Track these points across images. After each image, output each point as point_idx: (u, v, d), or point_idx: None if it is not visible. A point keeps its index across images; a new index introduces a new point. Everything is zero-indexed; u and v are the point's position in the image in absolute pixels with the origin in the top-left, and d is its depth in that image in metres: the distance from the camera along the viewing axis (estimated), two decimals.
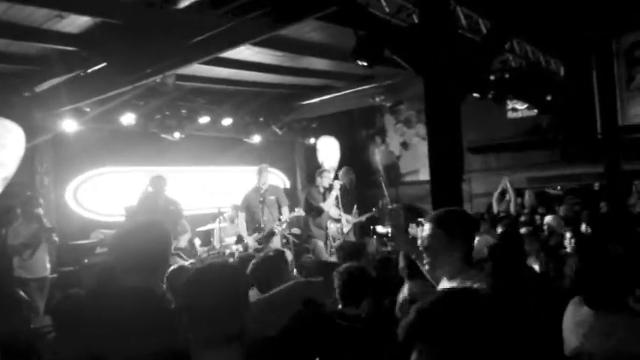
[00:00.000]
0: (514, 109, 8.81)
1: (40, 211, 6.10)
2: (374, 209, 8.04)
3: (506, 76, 5.70)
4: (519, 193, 8.62)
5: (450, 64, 3.30)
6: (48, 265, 5.90)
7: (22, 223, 5.83)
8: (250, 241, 6.73)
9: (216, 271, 1.56)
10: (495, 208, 7.94)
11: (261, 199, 6.68)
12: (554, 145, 8.39)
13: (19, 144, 6.39)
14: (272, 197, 6.80)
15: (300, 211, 6.92)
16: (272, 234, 6.66)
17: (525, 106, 8.27)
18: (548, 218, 6.12)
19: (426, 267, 2.23)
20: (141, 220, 2.43)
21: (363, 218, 7.94)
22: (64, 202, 7.45)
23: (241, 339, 1.47)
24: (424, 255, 2.19)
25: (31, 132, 6.48)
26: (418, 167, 10.19)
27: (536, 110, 7.10)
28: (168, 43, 4.57)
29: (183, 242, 6.67)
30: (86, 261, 6.68)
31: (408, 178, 10.52)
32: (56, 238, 6.03)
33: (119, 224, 7.31)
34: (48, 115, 6.55)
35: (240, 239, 6.99)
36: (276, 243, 6.62)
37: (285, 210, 6.86)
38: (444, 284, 2.17)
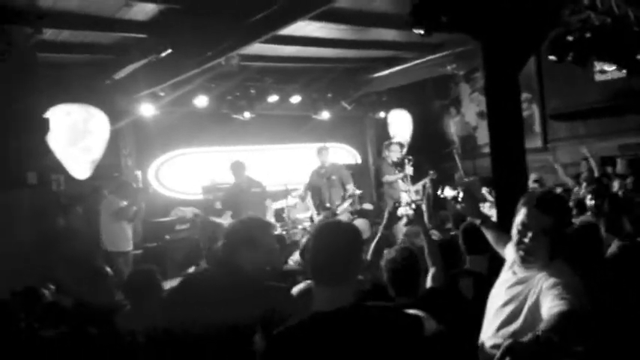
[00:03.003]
0: (602, 71, 8.02)
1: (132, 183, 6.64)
2: (431, 172, 7.84)
3: (587, 35, 5.17)
4: (611, 161, 7.96)
5: (510, 24, 3.05)
6: (131, 241, 6.33)
7: (114, 198, 6.28)
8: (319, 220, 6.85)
9: (336, 225, 1.95)
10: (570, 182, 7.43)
11: (325, 179, 6.75)
12: None
13: (104, 129, 6.87)
14: (334, 177, 6.86)
15: (354, 191, 6.93)
16: (335, 213, 6.74)
17: (615, 67, 7.53)
18: None
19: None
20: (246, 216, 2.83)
21: (420, 185, 7.84)
22: (147, 182, 7.94)
23: (352, 280, 1.76)
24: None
25: (113, 117, 6.94)
26: None
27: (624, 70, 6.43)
28: (227, 24, 4.65)
29: None
30: (167, 237, 7.13)
31: (486, 150, 10.00)
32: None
33: (198, 202, 7.71)
34: (127, 101, 6.97)
35: (312, 219, 7.16)
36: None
37: (350, 187, 6.89)
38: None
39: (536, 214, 1.93)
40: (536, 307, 1.83)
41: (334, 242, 1.75)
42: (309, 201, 7.29)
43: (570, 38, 5.06)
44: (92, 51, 6.07)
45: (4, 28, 4.69)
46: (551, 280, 1.81)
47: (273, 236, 2.62)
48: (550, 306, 1.68)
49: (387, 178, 7.29)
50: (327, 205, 6.91)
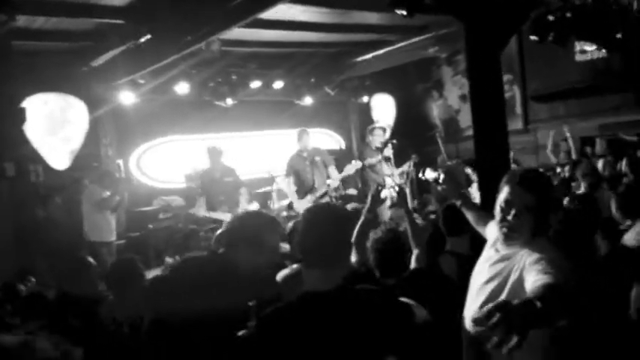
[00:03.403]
0: (582, 51, 8.07)
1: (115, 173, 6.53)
2: (413, 156, 7.79)
3: (568, 14, 5.19)
4: (590, 141, 8.06)
5: (492, 3, 3.04)
6: (114, 231, 6.27)
7: (96, 188, 6.18)
8: (304, 204, 6.67)
9: (326, 207, 2.06)
10: (554, 159, 7.53)
11: (308, 162, 6.64)
12: (628, 89, 7.67)
13: (83, 118, 6.74)
14: (318, 158, 6.73)
15: (357, 163, 6.81)
16: (325, 194, 6.65)
17: (595, 47, 7.58)
18: None
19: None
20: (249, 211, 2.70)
21: (405, 167, 7.76)
22: (129, 172, 7.84)
23: (342, 263, 1.78)
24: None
25: (92, 105, 6.80)
26: None
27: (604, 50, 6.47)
28: (207, 8, 4.57)
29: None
30: (151, 226, 7.07)
31: (469, 133, 10.05)
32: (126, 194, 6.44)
33: (180, 190, 7.64)
34: (106, 88, 6.83)
35: (290, 206, 7.05)
36: None
37: (332, 169, 6.78)
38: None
39: (519, 192, 1.93)
40: (519, 283, 1.83)
41: (323, 223, 1.73)
42: (291, 187, 7.13)
43: (551, 18, 5.08)
44: (69, 38, 5.92)
45: None
46: (535, 256, 1.82)
47: (280, 235, 2.47)
48: (534, 280, 1.69)
49: (369, 160, 7.24)
50: (315, 186, 6.75)
